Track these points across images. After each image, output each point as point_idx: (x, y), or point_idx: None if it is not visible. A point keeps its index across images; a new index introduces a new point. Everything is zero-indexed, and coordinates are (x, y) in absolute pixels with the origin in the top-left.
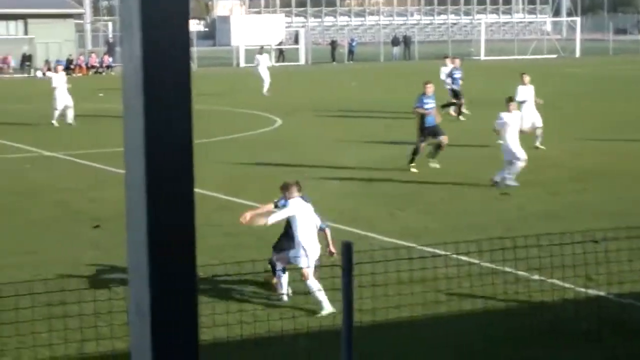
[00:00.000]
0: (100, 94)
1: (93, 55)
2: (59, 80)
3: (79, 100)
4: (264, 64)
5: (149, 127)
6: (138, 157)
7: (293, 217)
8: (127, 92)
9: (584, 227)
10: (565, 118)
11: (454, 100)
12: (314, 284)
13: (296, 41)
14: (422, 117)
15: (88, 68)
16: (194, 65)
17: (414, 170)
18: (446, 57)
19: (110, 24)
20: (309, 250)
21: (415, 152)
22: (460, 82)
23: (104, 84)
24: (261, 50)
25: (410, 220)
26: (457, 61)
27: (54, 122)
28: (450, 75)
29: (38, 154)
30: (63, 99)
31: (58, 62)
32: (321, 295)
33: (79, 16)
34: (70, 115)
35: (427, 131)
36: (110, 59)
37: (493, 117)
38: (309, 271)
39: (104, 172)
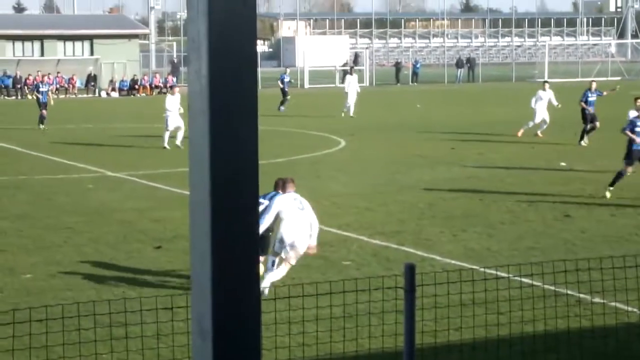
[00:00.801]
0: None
1: (157, 75)
2: (173, 102)
3: (147, 120)
4: (354, 85)
5: (214, 147)
6: (203, 175)
7: (279, 212)
8: (193, 111)
9: None
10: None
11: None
12: (278, 273)
13: (355, 62)
14: (630, 140)
15: (152, 88)
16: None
17: (608, 194)
18: (546, 82)
19: (174, 44)
20: (288, 243)
21: (618, 176)
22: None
23: None
24: (351, 70)
25: (473, 242)
26: (594, 85)
27: (165, 145)
28: (585, 99)
29: (101, 174)
30: (175, 121)
31: (172, 84)
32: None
33: (144, 36)
34: (180, 137)
35: (635, 154)
36: (174, 79)
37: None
38: (288, 261)
39: (167, 192)
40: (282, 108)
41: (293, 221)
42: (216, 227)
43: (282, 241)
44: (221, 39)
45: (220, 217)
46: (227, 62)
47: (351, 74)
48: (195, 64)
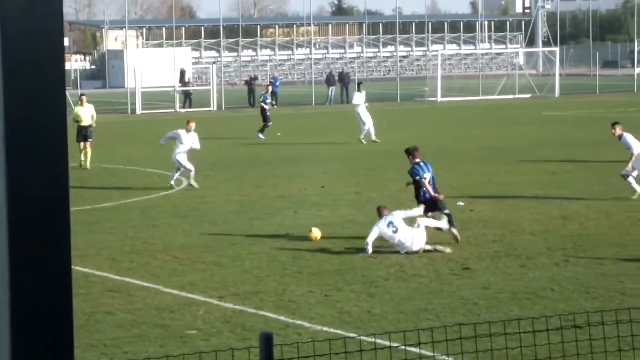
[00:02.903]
0: None
1: None
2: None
3: None
4: (363, 103)
5: (12, 196)
6: (0, 228)
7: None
8: None
9: (563, 309)
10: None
11: None
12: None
13: (181, 81)
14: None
15: None
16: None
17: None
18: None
19: None
20: None
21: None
22: None
23: None
24: (359, 87)
25: (350, 304)
26: None
27: None
28: None
29: None
30: None
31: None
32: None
33: None
34: None
35: None
36: None
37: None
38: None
39: None
40: (261, 136)
41: None
42: (17, 296)
43: None
44: (18, 55)
45: (21, 280)
46: (27, 84)
47: (360, 90)
48: None
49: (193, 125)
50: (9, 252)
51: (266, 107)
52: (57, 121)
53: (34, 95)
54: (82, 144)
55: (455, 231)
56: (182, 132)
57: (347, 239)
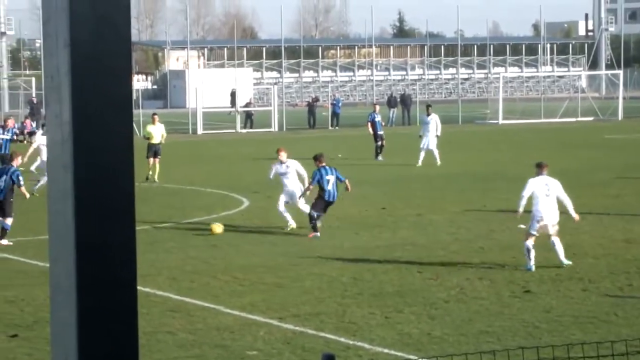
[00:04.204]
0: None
1: (11, 119)
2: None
3: None
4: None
5: (79, 210)
6: (66, 246)
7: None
8: (53, 166)
9: (627, 334)
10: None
11: None
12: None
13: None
14: None
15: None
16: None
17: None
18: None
19: (33, 80)
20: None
21: None
22: None
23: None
24: (428, 109)
25: (410, 326)
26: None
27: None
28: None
29: None
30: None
31: (30, 130)
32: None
33: None
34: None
35: None
36: (34, 124)
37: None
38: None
39: (23, 265)
40: (379, 157)
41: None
42: (83, 314)
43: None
44: (87, 75)
45: (88, 297)
46: (94, 105)
47: (428, 114)
48: (55, 107)
49: (283, 154)
50: (77, 270)
51: (371, 128)
52: (125, 141)
53: (101, 115)
54: (151, 160)
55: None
56: (276, 166)
57: (408, 261)
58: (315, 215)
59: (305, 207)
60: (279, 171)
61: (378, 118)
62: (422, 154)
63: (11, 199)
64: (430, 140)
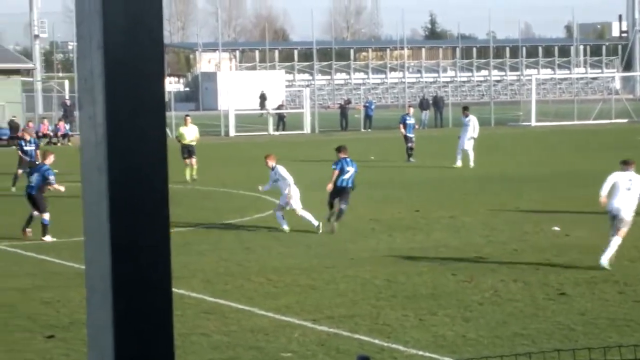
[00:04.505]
0: None
1: (45, 121)
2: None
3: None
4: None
5: (114, 212)
6: (102, 247)
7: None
8: (87, 168)
9: None
10: None
11: None
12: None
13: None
14: None
15: (39, 137)
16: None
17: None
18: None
19: (66, 82)
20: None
21: None
22: None
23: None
24: (464, 111)
25: (444, 328)
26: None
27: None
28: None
29: None
30: None
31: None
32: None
33: (28, 72)
34: None
35: None
36: (67, 126)
37: None
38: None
39: (59, 267)
40: (411, 159)
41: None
42: (119, 316)
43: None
44: (120, 77)
45: (123, 299)
46: (128, 107)
47: (466, 116)
48: (89, 109)
49: (269, 161)
50: (112, 272)
51: (404, 131)
52: (158, 142)
53: (135, 117)
54: (187, 160)
55: (335, 225)
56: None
57: (441, 263)
58: (329, 205)
59: (304, 213)
60: (272, 178)
61: (410, 120)
62: (459, 155)
63: (43, 193)
64: (466, 141)
